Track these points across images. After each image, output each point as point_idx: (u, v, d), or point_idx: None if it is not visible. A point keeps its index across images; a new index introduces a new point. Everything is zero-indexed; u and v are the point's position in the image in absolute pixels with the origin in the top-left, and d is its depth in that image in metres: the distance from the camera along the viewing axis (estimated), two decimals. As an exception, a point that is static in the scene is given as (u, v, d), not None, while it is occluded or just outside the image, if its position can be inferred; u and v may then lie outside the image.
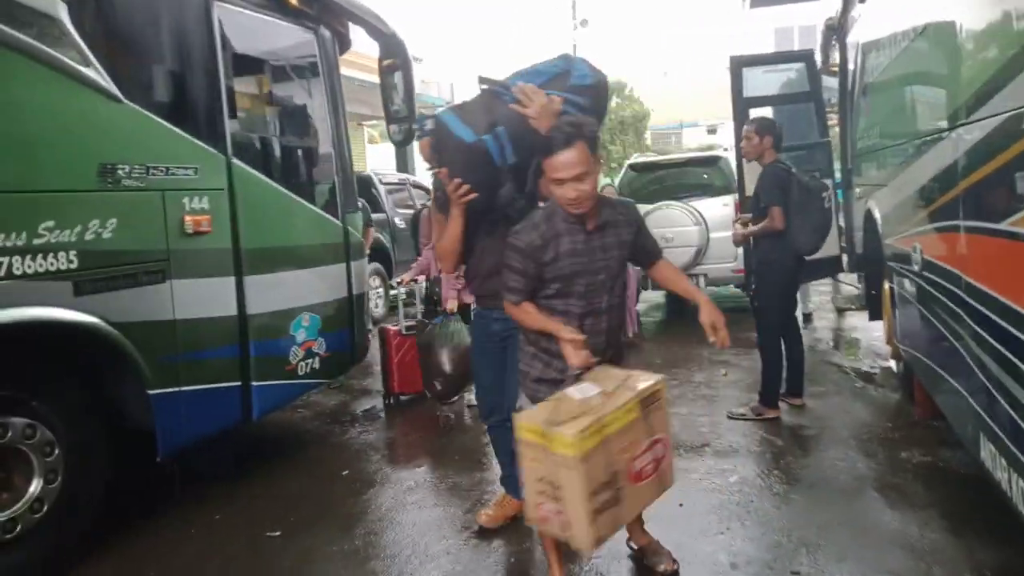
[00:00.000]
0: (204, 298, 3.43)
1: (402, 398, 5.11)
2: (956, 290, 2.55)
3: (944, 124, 2.76)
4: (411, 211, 9.43)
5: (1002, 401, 2.04)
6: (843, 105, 6.51)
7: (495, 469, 3.68)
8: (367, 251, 7.44)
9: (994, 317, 2.08)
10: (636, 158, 9.03)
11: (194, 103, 3.44)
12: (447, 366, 4.56)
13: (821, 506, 3.16)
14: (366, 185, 9.02)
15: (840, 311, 7.22)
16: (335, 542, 3.12)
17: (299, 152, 4.20)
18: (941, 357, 2.99)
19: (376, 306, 8.32)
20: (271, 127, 4.09)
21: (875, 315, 5.36)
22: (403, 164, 16.88)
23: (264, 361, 3.75)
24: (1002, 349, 2.03)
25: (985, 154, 2.21)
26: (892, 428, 4.02)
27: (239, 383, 3.64)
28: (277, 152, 4.05)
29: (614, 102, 26.82)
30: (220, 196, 3.49)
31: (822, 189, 4.23)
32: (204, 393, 3.45)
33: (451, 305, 4.67)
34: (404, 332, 5.09)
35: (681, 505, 3.24)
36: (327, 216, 4.28)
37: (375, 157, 20.23)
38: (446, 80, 29.31)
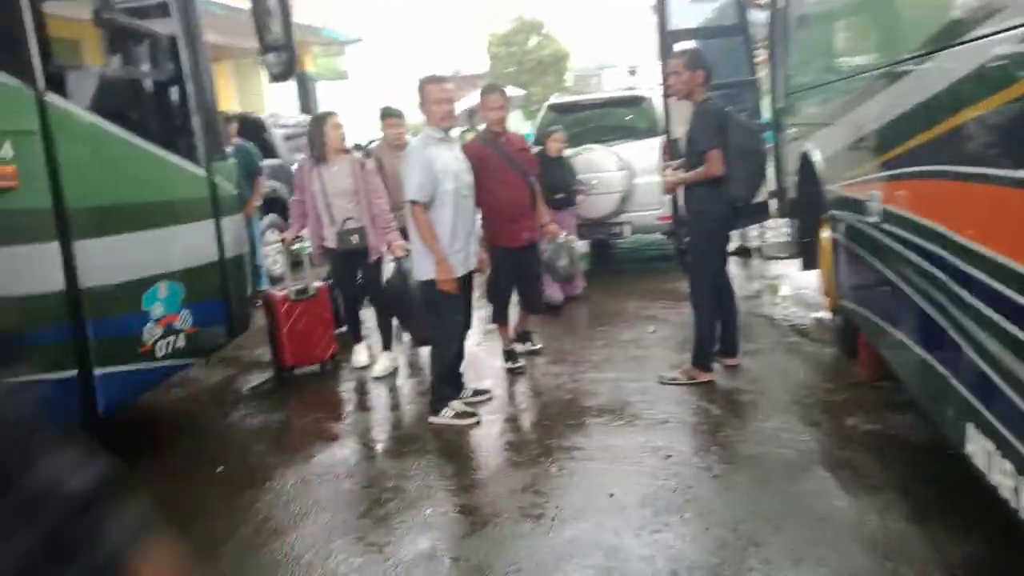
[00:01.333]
0: (13, 271, 2.70)
1: (296, 372, 4.48)
2: (938, 250, 2.15)
3: (930, 47, 2.30)
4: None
5: (1008, 390, 1.64)
6: (773, 40, 6.10)
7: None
8: (258, 202, 6.72)
9: (1001, 288, 1.67)
10: (557, 98, 8.44)
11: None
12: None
13: (767, 490, 2.80)
14: (258, 129, 8.11)
15: (769, 259, 6.96)
16: (200, 560, 2.54)
17: (142, 86, 3.43)
18: (907, 323, 2.62)
19: (275, 263, 7.55)
20: (103, 54, 3.28)
21: (808, 264, 5.05)
22: (307, 106, 15.67)
23: (108, 343, 3.06)
24: (1011, 328, 1.62)
25: (989, 84, 1.76)
26: (833, 390, 3.71)
27: (75, 372, 2.95)
28: (111, 86, 3.27)
29: (533, 41, 25.94)
30: (29, 141, 2.73)
31: (760, 130, 3.79)
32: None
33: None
34: (294, 297, 4.44)
35: (612, 495, 2.82)
36: (185, 165, 3.55)
37: (276, 98, 18.79)
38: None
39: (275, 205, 7.58)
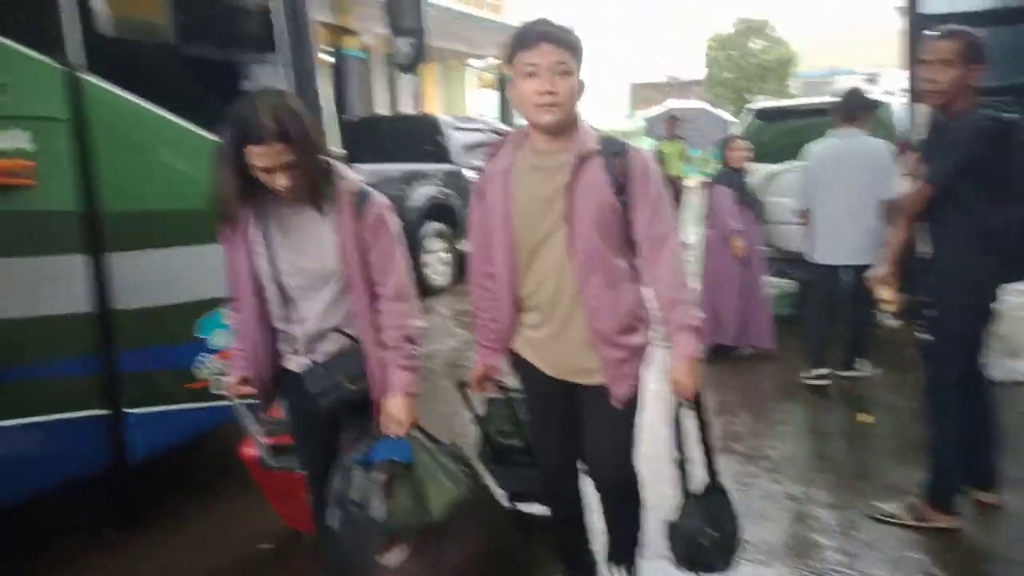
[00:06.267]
0: (28, 288, 2.24)
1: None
2: None
3: None
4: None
5: None
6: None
7: None
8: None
9: None
10: (763, 103, 7.12)
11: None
12: None
13: None
14: (431, 130, 7.69)
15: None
16: None
17: (219, 70, 2.87)
18: None
19: (435, 273, 7.05)
20: (165, 26, 2.71)
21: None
22: (507, 112, 15.35)
23: (144, 378, 2.55)
24: None
25: None
26: None
27: (101, 412, 2.46)
28: (175, 66, 2.73)
29: (756, 44, 23.91)
30: (54, 130, 2.26)
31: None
32: (34, 430, 2.30)
33: None
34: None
35: None
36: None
37: (480, 103, 18.81)
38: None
39: (442, 212, 7.10)
